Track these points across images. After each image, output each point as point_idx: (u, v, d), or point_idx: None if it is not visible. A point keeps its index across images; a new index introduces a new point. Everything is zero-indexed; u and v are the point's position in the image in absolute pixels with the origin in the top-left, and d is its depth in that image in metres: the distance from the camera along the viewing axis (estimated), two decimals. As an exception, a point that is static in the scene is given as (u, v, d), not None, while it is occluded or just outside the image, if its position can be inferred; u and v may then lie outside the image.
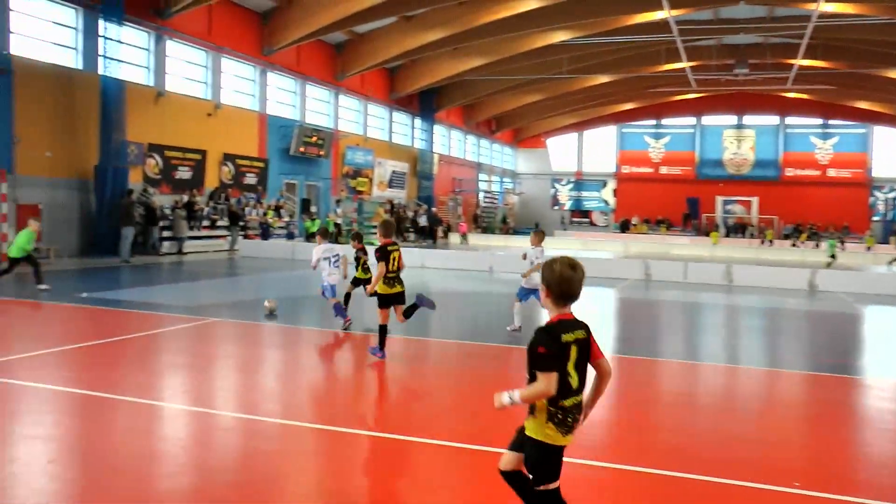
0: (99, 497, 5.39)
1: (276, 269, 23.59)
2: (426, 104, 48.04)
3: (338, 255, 12.89)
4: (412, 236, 43.34)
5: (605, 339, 13.04)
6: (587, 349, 4.18)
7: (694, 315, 17.24)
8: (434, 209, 48.08)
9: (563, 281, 4.12)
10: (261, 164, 33.79)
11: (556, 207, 66.01)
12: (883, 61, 41.20)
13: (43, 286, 15.76)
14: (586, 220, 64.45)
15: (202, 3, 27.97)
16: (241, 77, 32.88)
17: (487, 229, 55.54)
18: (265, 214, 32.15)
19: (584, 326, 4.21)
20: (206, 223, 28.95)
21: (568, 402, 4.05)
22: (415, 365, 10.48)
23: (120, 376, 8.88)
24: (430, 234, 43.89)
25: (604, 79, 48.84)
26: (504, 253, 30.88)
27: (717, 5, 34.24)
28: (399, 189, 46.79)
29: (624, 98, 57.82)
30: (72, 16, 24.91)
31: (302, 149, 35.81)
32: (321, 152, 37.35)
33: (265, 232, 31.49)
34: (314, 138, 36.59)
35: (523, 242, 44.75)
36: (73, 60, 24.92)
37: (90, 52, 24.96)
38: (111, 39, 24.71)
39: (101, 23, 24.62)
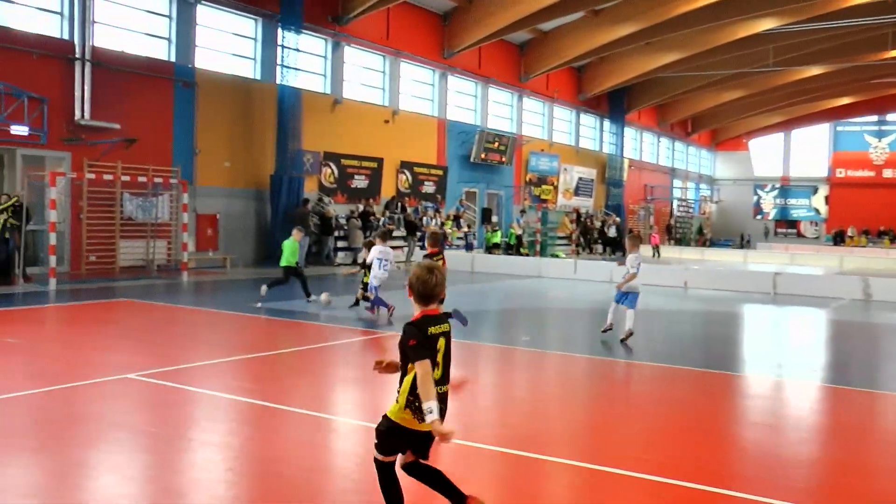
0: None
1: (454, 282, 23.11)
2: (616, 105, 46.56)
3: (388, 260, 14.22)
4: (599, 248, 42.06)
5: (813, 365, 12.31)
6: (450, 342, 4.80)
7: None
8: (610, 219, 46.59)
9: (421, 283, 4.71)
10: (439, 172, 33.63)
11: (759, 217, 62.45)
12: None
13: (311, 298, 16.02)
14: (793, 230, 60.59)
15: (381, 7, 28.08)
16: (419, 81, 32.87)
17: (681, 241, 53.23)
18: (443, 225, 31.87)
19: (448, 321, 4.84)
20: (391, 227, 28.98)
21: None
22: (592, 385, 10.09)
23: (293, 387, 9.22)
24: (620, 245, 42.42)
25: (816, 70, 45.53)
26: (699, 267, 29.15)
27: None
28: (586, 197, 45.61)
29: (839, 92, 53.72)
30: (251, 26, 25.63)
31: (483, 155, 35.44)
32: (503, 159, 36.85)
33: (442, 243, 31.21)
34: (496, 144, 36.14)
35: (721, 256, 43.12)
36: (252, 71, 25.62)
37: (268, 62, 25.57)
38: (289, 48, 25.16)
39: (279, 32, 25.18)
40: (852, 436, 8.05)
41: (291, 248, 16.16)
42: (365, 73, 30.17)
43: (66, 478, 5.96)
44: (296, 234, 16.52)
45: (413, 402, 4.62)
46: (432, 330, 4.68)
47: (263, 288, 15.70)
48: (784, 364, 12.22)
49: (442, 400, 4.70)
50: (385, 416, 4.82)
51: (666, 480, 6.17)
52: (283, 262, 16.21)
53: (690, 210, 58.97)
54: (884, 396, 10.06)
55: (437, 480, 4.98)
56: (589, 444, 7.47)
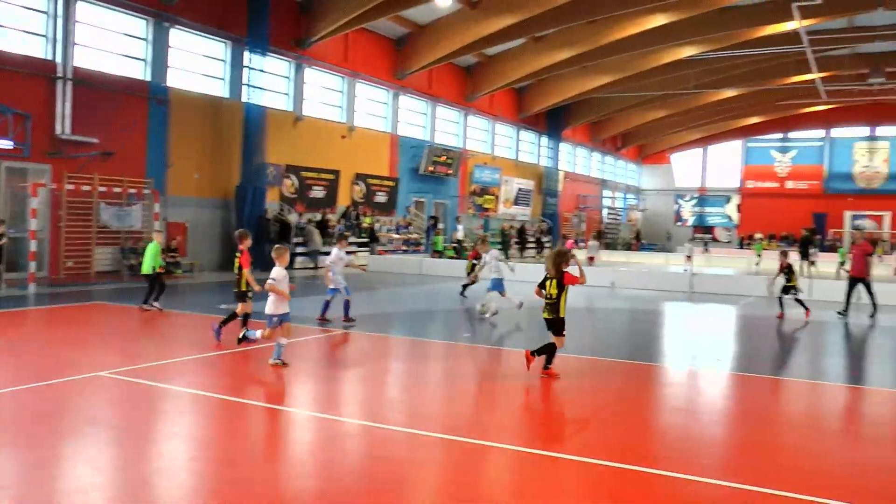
0: (234, 493, 5.56)
1: (405, 284, 23.56)
2: (553, 122, 47.28)
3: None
4: (532, 252, 42.81)
5: (723, 355, 12.90)
6: None
7: (814, 333, 15.98)
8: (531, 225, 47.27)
9: None
10: (391, 183, 33.94)
11: (679, 223, 63.92)
12: None
13: (154, 306, 15.07)
14: (709, 235, 62.04)
15: (340, 32, 28.29)
16: (374, 100, 33.10)
17: (610, 245, 54.20)
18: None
19: None
20: (347, 233, 29.17)
21: None
22: (526, 376, 9.99)
23: (255, 383, 9.40)
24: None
25: (730, 93, 46.92)
26: (626, 269, 29.92)
27: (853, 13, 32.17)
28: (525, 206, 46.24)
29: (750, 112, 55.39)
30: (221, 49, 25.65)
31: (431, 168, 35.83)
32: (449, 171, 37.28)
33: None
34: (443, 158, 36.56)
35: (647, 259, 44.08)
36: (221, 90, 25.65)
37: (236, 82, 25.66)
38: (255, 69, 25.27)
39: (246, 54, 25.26)
40: (758, 418, 8.50)
41: (152, 253, 15.02)
42: (324, 93, 30.34)
43: (41, 469, 5.98)
44: (156, 237, 15.56)
45: None
46: None
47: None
48: (698, 355, 12.78)
49: None
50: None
51: (597, 461, 6.47)
52: (144, 270, 15.18)
53: (619, 217, 60.09)
54: (786, 382, 10.71)
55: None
56: (526, 430, 7.74)
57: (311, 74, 29.36)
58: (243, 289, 11.60)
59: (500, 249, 37.10)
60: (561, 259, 9.54)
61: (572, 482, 6.13)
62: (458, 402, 8.90)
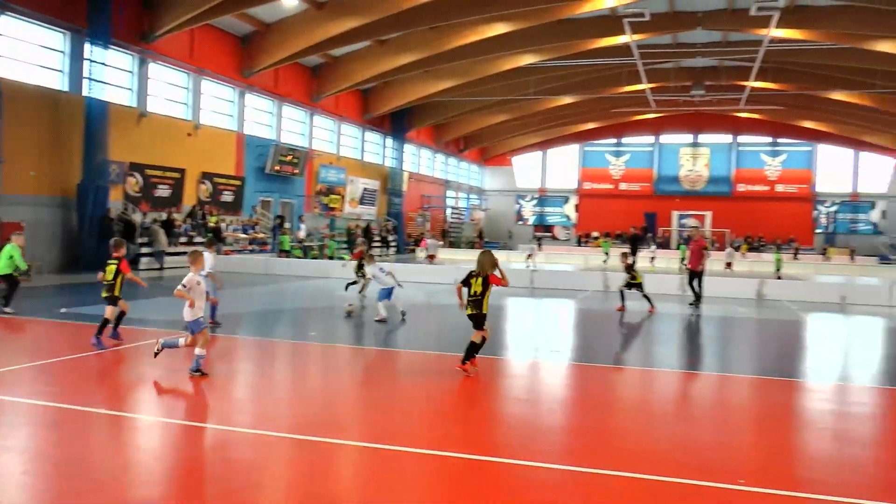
0: None
1: (252, 284, 23.58)
2: (398, 124, 48.14)
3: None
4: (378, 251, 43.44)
5: (566, 348, 13.63)
6: None
7: (650, 324, 17.49)
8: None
9: None
10: (238, 182, 33.71)
11: (521, 222, 66.45)
12: (827, 84, 42.25)
13: (8, 310, 14.76)
14: (549, 234, 64.85)
15: (185, 28, 27.94)
16: (220, 98, 32.81)
17: (455, 244, 55.72)
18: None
19: None
20: (183, 239, 28.80)
21: None
22: (377, 374, 10.57)
23: (94, 390, 9.00)
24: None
25: (568, 100, 49.41)
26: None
27: (676, 31, 34.86)
28: (370, 206, 46.83)
29: (586, 118, 58.48)
30: (59, 40, 24.76)
31: (277, 167, 35.81)
32: (295, 171, 37.36)
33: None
34: (289, 157, 36.61)
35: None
36: (60, 83, 24.78)
37: (76, 75, 24.83)
38: (96, 62, 24.59)
39: (87, 46, 24.52)
40: (594, 404, 9.18)
41: (8, 254, 14.99)
42: (170, 89, 29.83)
43: None
44: (15, 239, 15.36)
45: None
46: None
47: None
48: (539, 347, 13.53)
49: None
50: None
51: (441, 453, 6.72)
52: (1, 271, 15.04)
53: (462, 217, 61.76)
54: (621, 371, 11.63)
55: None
56: (373, 425, 7.79)
57: (156, 70, 28.83)
58: (116, 294, 11.59)
59: (346, 248, 37.87)
60: (493, 260, 10.30)
61: (419, 475, 6.32)
62: (305, 401, 8.95)
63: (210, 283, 12.94)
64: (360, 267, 18.34)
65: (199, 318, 9.57)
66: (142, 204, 27.82)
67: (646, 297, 18.73)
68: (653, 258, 39.57)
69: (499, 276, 10.25)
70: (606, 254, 37.77)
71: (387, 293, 15.67)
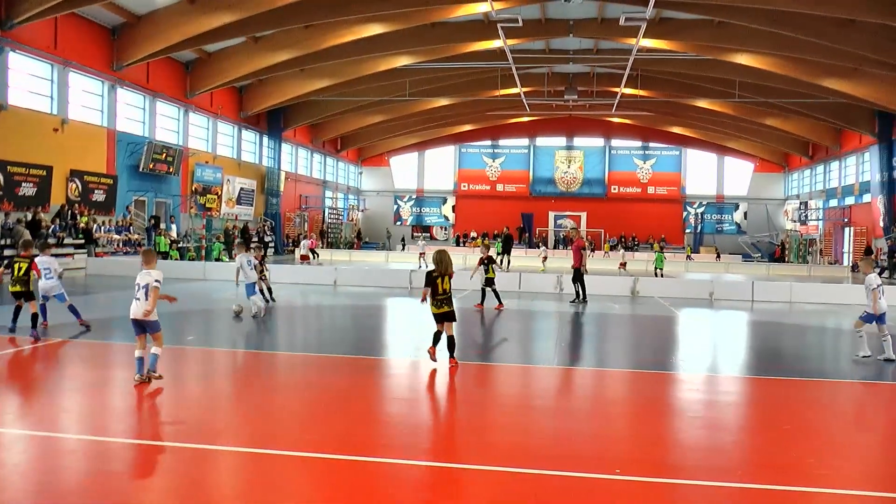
0: None
1: (127, 288, 22.76)
2: (274, 123, 47.77)
3: (50, 268, 13.24)
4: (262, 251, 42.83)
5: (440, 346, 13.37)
6: None
7: (529, 322, 18.07)
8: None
9: None
10: (109, 181, 32.65)
11: (399, 223, 66.80)
12: (692, 92, 44.67)
13: None
14: (427, 234, 65.43)
15: (48, 16, 26.87)
16: (89, 92, 31.77)
17: (332, 244, 55.54)
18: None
19: None
20: (52, 241, 27.59)
21: None
22: (256, 377, 10.41)
23: None
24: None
25: (444, 101, 50.15)
26: (349, 267, 31.05)
27: (549, 37, 36.08)
28: (248, 206, 46.16)
29: (463, 120, 59.47)
30: None
31: (151, 165, 34.91)
32: (170, 169, 36.50)
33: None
34: (163, 155, 35.75)
35: (368, 257, 45.83)
36: (-89, 72, 23.45)
37: (-71, 64, 23.55)
38: (-49, 51, 23.40)
39: (-61, 34, 23.31)
40: (478, 401, 9.37)
41: None
42: (32, 81, 28.62)
43: None
44: None
45: None
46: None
47: None
48: (420, 346, 13.33)
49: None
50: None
51: (320, 455, 6.74)
52: None
53: (340, 217, 61.57)
54: (496, 367, 11.85)
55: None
56: (253, 430, 7.65)
57: (16, 60, 27.62)
58: (31, 289, 12.95)
59: (224, 249, 37.20)
60: (451, 259, 11.17)
61: (297, 478, 6.33)
62: (175, 406, 8.76)
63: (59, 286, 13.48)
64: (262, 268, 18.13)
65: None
66: (4, 203, 26.52)
67: (495, 292, 19.14)
68: (545, 258, 40.57)
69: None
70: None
71: (252, 288, 16.07)
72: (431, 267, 11.03)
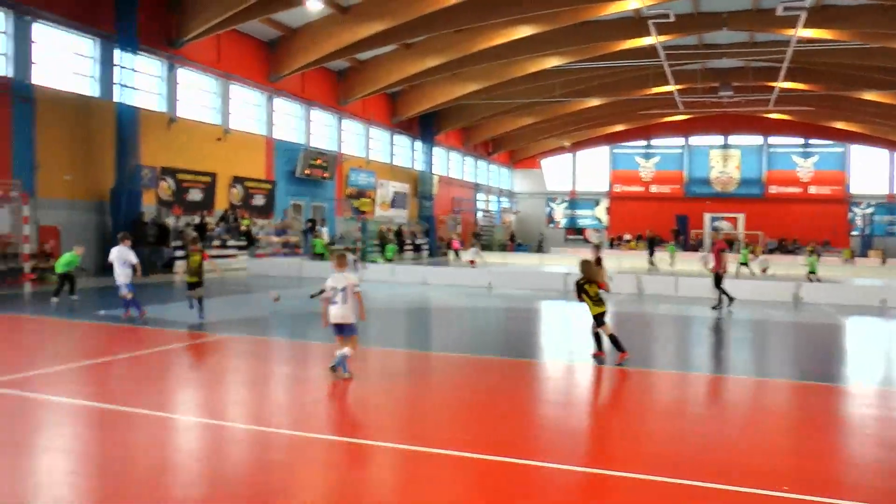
0: None
1: (283, 287, 23.63)
2: (426, 127, 48.32)
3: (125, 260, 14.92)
4: (411, 254, 43.66)
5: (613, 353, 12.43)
6: None
7: (685, 328, 17.30)
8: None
9: None
10: (268, 186, 34.04)
11: (552, 225, 66.24)
12: (857, 84, 41.64)
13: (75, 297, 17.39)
14: (580, 237, 64.50)
15: (212, 33, 28.32)
16: (248, 103, 33.18)
17: (486, 247, 55.64)
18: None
19: None
20: (216, 243, 29.11)
21: None
22: (416, 377, 10.54)
23: (135, 391, 8.93)
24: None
25: (595, 102, 49.17)
26: (502, 270, 30.90)
27: (702, 31, 34.56)
28: (401, 209, 46.99)
29: (615, 120, 58.12)
30: (89, 46, 25.25)
31: (307, 171, 36.09)
32: (326, 174, 37.62)
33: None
34: (319, 161, 36.88)
35: (522, 259, 45.43)
36: (91, 88, 25.25)
37: (106, 81, 25.30)
38: (126, 68, 25.00)
39: (116, 52, 24.95)
40: (632, 408, 9.11)
41: (67, 260, 17.54)
42: (199, 94, 30.24)
43: None
44: (77, 250, 17.85)
45: None
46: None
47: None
48: (575, 350, 13.08)
49: None
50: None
51: (474, 455, 6.81)
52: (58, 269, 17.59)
53: (493, 220, 61.73)
54: (652, 374, 11.18)
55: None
56: (413, 427, 7.92)
57: (184, 75, 29.24)
58: (202, 280, 14.91)
59: (379, 251, 38.04)
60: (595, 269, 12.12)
61: (453, 478, 6.23)
62: (341, 401, 8.89)
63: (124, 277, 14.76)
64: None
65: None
66: (174, 208, 28.18)
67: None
68: (707, 264, 38.83)
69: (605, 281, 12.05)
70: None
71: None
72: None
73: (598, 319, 11.46)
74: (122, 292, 14.64)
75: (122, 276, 14.68)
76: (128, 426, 7.42)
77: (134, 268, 15.04)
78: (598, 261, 18.21)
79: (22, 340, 12.99)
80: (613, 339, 11.30)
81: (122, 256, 14.91)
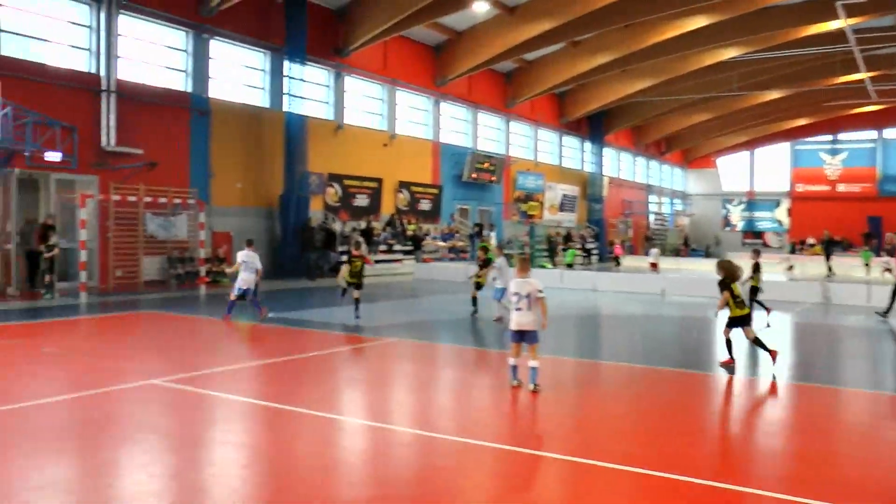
0: (286, 501, 5.52)
1: (449, 292, 23.20)
2: (595, 127, 46.82)
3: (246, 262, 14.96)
4: (580, 259, 42.31)
5: (784, 368, 11.22)
6: None
7: (875, 342, 15.33)
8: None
9: None
10: (435, 191, 33.87)
11: (728, 228, 62.75)
12: None
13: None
14: (759, 241, 60.65)
15: (378, 40, 28.39)
16: (414, 108, 33.13)
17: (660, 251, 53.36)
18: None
19: None
20: (383, 247, 29.14)
21: None
22: (586, 388, 9.88)
23: (304, 391, 9.08)
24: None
25: (775, 94, 45.98)
26: (677, 276, 29.18)
27: (899, 11, 31.37)
28: (570, 212, 45.82)
29: (797, 113, 54.18)
30: (260, 59, 25.90)
31: (474, 175, 35.68)
32: (493, 178, 37.10)
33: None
34: (486, 164, 36.40)
35: (696, 265, 42.86)
36: (261, 99, 25.86)
37: (276, 91, 25.86)
38: (295, 79, 25.42)
39: (286, 64, 25.42)
40: (809, 427, 8.05)
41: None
42: (365, 101, 30.44)
43: (97, 475, 6.06)
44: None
45: None
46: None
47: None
48: (747, 365, 11.94)
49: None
50: None
51: (644, 471, 6.17)
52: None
53: (665, 223, 59.30)
54: (840, 392, 9.97)
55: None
56: (582, 440, 7.54)
57: (351, 83, 29.48)
58: (361, 281, 15.63)
59: (546, 256, 37.10)
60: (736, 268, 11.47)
61: (623, 492, 5.90)
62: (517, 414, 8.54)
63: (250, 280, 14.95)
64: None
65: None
66: (341, 213, 28.46)
67: (759, 302, 16.56)
68: (888, 270, 35.34)
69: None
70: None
71: (501, 293, 15.09)
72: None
73: (742, 322, 10.78)
74: (233, 294, 15.05)
75: (244, 280, 14.83)
76: (297, 425, 7.58)
77: (257, 272, 15.12)
78: (757, 266, 16.68)
79: (197, 341, 13.52)
80: (758, 341, 10.62)
81: (250, 261, 14.95)
